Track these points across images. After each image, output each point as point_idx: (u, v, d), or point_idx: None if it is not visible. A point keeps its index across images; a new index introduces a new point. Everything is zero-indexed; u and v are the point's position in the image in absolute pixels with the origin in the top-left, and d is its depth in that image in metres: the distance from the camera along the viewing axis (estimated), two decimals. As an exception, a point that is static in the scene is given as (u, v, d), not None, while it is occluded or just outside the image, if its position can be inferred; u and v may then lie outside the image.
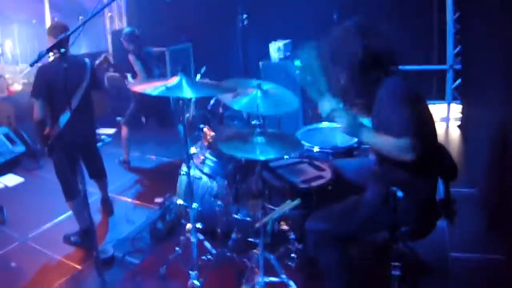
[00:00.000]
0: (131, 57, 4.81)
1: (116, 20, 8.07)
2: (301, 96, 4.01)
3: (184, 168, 3.31)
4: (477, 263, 2.92)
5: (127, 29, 5.00)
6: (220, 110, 3.29)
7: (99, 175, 3.84)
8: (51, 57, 3.20)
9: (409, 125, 1.95)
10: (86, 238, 3.31)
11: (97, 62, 4.25)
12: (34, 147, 5.41)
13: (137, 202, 4.20)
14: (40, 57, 2.15)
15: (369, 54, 2.06)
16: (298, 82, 2.84)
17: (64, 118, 3.18)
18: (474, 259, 2.96)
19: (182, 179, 3.33)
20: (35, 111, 3.18)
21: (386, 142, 2.02)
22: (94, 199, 3.93)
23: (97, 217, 3.85)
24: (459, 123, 5.93)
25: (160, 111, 5.03)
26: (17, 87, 6.55)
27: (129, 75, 4.67)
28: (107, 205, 3.95)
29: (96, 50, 7.54)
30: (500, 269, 2.80)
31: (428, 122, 2.15)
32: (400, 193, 2.10)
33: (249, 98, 2.46)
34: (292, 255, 2.73)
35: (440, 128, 5.90)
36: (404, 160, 1.96)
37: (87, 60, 3.49)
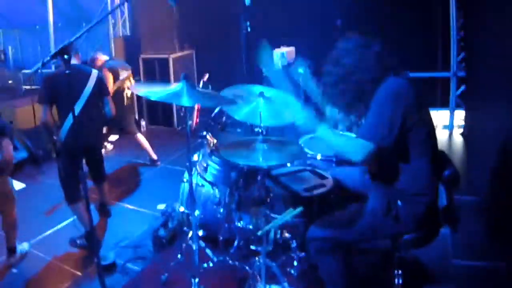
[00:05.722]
0: (106, 73, 4.76)
1: (120, 26, 8.09)
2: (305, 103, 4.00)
3: (186, 175, 3.32)
4: (480, 270, 2.91)
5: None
6: (224, 117, 3.29)
7: (100, 180, 3.95)
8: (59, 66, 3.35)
9: (378, 131, 1.97)
10: (91, 240, 3.33)
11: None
12: (36, 152, 5.41)
13: (139, 209, 4.19)
14: (44, 63, 2.15)
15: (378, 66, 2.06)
16: (302, 89, 2.84)
17: (68, 123, 3.35)
18: (476, 266, 2.95)
19: (185, 186, 3.33)
20: (41, 114, 3.41)
21: (345, 140, 2.13)
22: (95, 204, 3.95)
23: (98, 223, 3.85)
24: (462, 130, 5.92)
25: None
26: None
27: None
28: (105, 209, 4.01)
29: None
30: (502, 277, 2.78)
31: (428, 128, 2.14)
32: (399, 202, 2.10)
33: (252, 107, 2.45)
34: (294, 263, 2.72)
35: (443, 136, 5.88)
36: (351, 159, 2.02)
37: (94, 70, 3.64)
